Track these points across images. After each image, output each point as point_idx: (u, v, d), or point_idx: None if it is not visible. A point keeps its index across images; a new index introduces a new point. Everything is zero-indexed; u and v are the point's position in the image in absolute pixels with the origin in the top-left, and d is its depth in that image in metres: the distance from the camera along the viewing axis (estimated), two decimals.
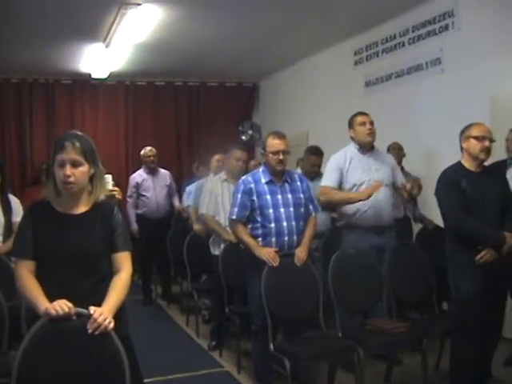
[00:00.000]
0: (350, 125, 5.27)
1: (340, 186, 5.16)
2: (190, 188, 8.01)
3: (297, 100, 9.95)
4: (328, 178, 5.20)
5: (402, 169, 6.42)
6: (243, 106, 11.44)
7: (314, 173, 6.39)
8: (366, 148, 5.23)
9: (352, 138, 5.27)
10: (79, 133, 3.04)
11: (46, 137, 10.42)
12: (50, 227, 2.90)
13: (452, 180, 4.34)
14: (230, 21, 7.34)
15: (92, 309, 2.67)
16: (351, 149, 5.26)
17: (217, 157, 7.34)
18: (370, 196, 4.87)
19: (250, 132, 10.66)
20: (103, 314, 2.67)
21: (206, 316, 6.91)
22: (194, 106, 11.27)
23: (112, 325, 2.68)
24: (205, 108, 11.23)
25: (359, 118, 5.21)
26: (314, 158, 6.49)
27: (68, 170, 2.84)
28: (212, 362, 5.66)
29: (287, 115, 10.12)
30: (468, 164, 4.37)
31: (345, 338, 4.42)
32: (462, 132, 4.43)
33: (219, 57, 9.15)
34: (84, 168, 2.89)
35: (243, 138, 10.56)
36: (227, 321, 5.71)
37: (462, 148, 4.42)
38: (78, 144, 2.88)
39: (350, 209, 5.11)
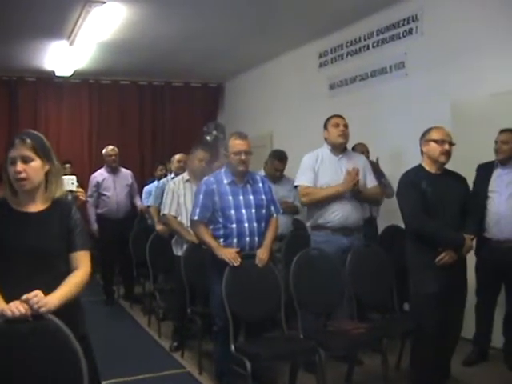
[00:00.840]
0: (325, 126, 5.31)
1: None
2: (149, 188, 8.00)
3: (262, 101, 9.96)
4: (304, 178, 5.21)
5: (378, 167, 6.45)
6: (208, 107, 11.43)
7: (276, 176, 6.44)
8: (339, 149, 5.26)
9: (325, 139, 5.31)
10: (31, 131, 3.03)
11: (8, 135, 10.20)
12: (6, 225, 2.86)
13: (413, 181, 4.40)
14: (196, 20, 7.32)
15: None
16: (324, 150, 5.30)
17: (177, 157, 7.33)
18: (352, 184, 4.94)
19: (215, 132, 10.64)
20: (38, 296, 2.62)
21: (160, 315, 6.85)
22: (158, 106, 11.22)
23: (44, 309, 2.62)
24: (169, 108, 11.20)
25: (333, 120, 5.25)
26: (278, 163, 6.54)
27: (19, 166, 2.83)
28: (174, 362, 5.64)
29: (252, 116, 10.13)
30: (428, 167, 4.45)
31: (306, 339, 4.42)
32: (423, 136, 4.50)
33: (184, 56, 9.13)
34: (36, 164, 2.87)
35: (207, 138, 10.53)
36: (189, 321, 5.68)
37: (422, 151, 4.49)
38: (28, 140, 2.87)
39: (318, 209, 5.13)
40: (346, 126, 5.24)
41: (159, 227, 6.76)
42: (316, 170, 5.17)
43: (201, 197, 4.67)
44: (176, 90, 11.26)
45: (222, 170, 4.79)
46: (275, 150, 7.00)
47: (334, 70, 8.19)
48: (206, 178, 4.86)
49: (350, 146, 6.38)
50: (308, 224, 5.41)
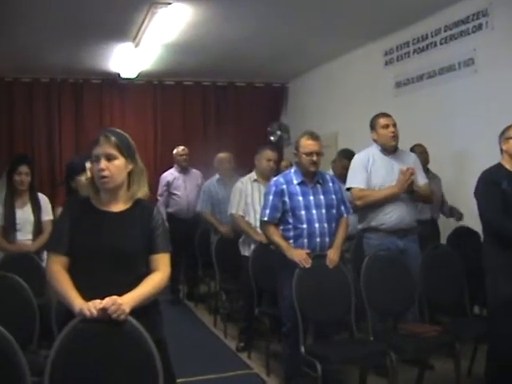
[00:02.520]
0: (373, 127, 5.18)
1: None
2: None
3: (326, 101, 9.88)
4: (357, 180, 5.11)
5: (428, 170, 6.35)
6: (272, 107, 11.38)
7: (345, 176, 6.34)
8: (389, 150, 5.14)
9: (374, 140, 5.19)
10: (116, 129, 3.02)
11: (74, 136, 10.47)
12: (88, 223, 2.88)
13: (493, 181, 4.25)
14: (260, 20, 7.31)
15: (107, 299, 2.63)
16: (374, 149, 5.19)
17: (222, 156, 7.35)
18: (406, 185, 4.83)
19: (279, 132, 10.62)
20: (116, 304, 2.62)
21: (225, 315, 6.84)
22: (222, 106, 11.22)
23: (123, 316, 2.62)
24: (233, 108, 11.18)
25: (382, 121, 5.12)
26: (347, 162, 6.42)
27: (102, 164, 2.82)
28: (240, 363, 5.64)
29: (316, 116, 10.05)
30: (509, 165, 4.29)
31: (377, 342, 4.36)
32: (502, 133, 4.36)
33: (248, 57, 9.12)
34: (119, 162, 2.87)
35: (271, 138, 10.53)
36: (256, 322, 5.67)
37: (501, 150, 4.35)
38: (112, 138, 2.87)
39: (372, 211, 5.05)
40: (395, 125, 5.11)
41: (222, 229, 6.77)
42: (369, 170, 5.08)
43: (270, 197, 4.64)
44: (239, 90, 11.25)
45: (292, 170, 4.74)
46: (344, 148, 6.94)
47: (399, 68, 8.06)
48: (275, 179, 4.83)
49: (409, 146, 6.29)
50: (359, 227, 5.28)
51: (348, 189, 5.21)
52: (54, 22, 7.15)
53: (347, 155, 6.53)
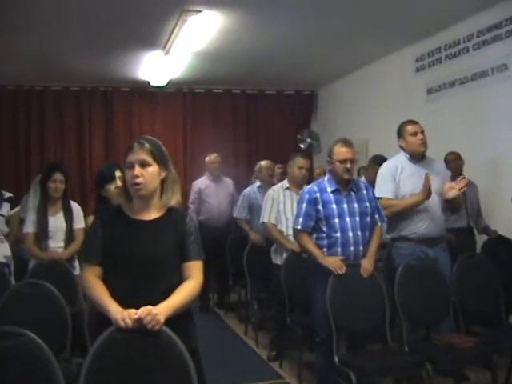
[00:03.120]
0: (400, 134, 5.09)
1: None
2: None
3: (356, 108, 9.83)
4: (384, 190, 5.01)
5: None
6: (301, 114, 11.35)
7: None
8: (418, 157, 5.05)
9: (402, 148, 5.11)
10: (150, 136, 3.01)
11: (104, 144, 10.55)
12: (120, 232, 2.86)
13: None
14: (290, 28, 7.28)
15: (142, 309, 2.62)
16: (401, 158, 5.10)
17: (264, 164, 7.35)
18: (430, 192, 4.74)
19: (309, 140, 10.57)
20: (151, 314, 2.60)
21: (256, 324, 6.80)
22: (251, 114, 11.22)
23: (158, 327, 2.61)
24: (263, 116, 11.19)
25: (410, 128, 5.01)
26: (379, 168, 6.38)
27: (136, 170, 2.81)
28: (272, 372, 5.60)
29: (346, 123, 10.00)
30: None
31: (412, 353, 4.28)
32: None
33: (278, 64, 9.10)
34: (153, 169, 2.85)
35: (301, 146, 10.48)
36: (288, 331, 5.62)
37: None
38: (146, 144, 2.86)
39: (402, 220, 4.97)
40: (423, 132, 5.01)
41: (254, 237, 6.74)
42: (397, 179, 4.99)
43: (304, 205, 4.59)
44: (269, 97, 11.24)
45: (326, 178, 4.70)
46: (375, 154, 6.89)
47: (431, 74, 7.98)
48: (308, 186, 4.80)
49: (441, 153, 6.21)
50: (389, 236, 5.17)
51: (378, 198, 5.14)
52: (85, 31, 7.21)
53: (379, 161, 6.46)
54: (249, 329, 6.94)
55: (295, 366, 5.42)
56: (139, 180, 2.81)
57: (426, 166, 5.03)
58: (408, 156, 5.06)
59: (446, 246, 5.11)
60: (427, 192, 4.74)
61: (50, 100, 10.31)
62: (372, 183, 5.97)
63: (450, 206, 5.04)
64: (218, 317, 8.04)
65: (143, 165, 2.83)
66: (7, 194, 5.82)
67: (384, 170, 5.15)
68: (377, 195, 5.02)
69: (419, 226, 4.90)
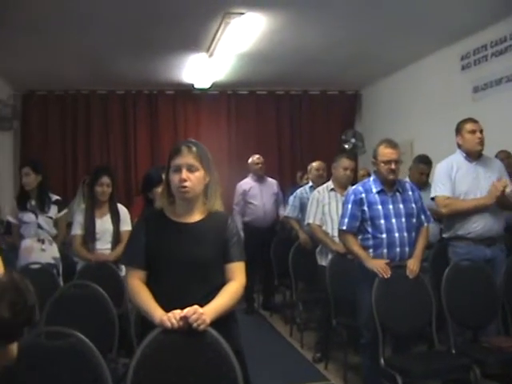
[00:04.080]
0: (458, 131, 5.06)
1: None
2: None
3: (400, 108, 9.74)
4: (442, 188, 5.00)
5: None
6: (345, 115, 11.29)
7: (422, 182, 6.24)
8: (474, 156, 5.01)
9: (459, 145, 5.07)
10: (195, 140, 3.03)
11: (149, 147, 10.63)
12: (164, 235, 2.89)
13: None
14: (333, 28, 7.25)
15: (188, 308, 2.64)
16: (458, 156, 5.07)
17: (315, 165, 7.34)
18: (496, 198, 4.69)
19: (353, 140, 10.51)
20: (197, 313, 2.62)
21: (301, 325, 6.80)
22: (295, 115, 11.19)
23: (203, 326, 2.62)
24: (307, 117, 11.15)
25: (469, 126, 4.99)
26: (423, 166, 6.35)
27: (184, 174, 2.83)
28: (317, 374, 5.59)
29: (390, 123, 9.91)
30: None
31: (459, 355, 4.22)
32: None
33: (321, 65, 9.07)
34: (200, 174, 2.88)
35: (346, 146, 10.42)
36: (333, 333, 5.60)
37: None
38: (194, 148, 2.88)
39: (459, 220, 4.92)
40: (482, 131, 4.98)
41: (302, 237, 6.73)
42: (453, 178, 4.95)
43: (349, 206, 4.58)
44: (313, 98, 11.19)
45: (371, 179, 4.67)
46: (420, 154, 6.82)
47: (477, 72, 7.85)
48: (354, 187, 4.77)
49: (492, 153, 6.11)
50: (446, 235, 5.15)
51: (433, 198, 5.11)
52: (130, 36, 7.28)
53: (423, 160, 6.45)
54: (294, 330, 6.93)
55: (340, 368, 5.40)
56: (187, 184, 2.83)
57: (483, 165, 5.01)
58: (464, 155, 5.03)
59: (505, 247, 5.04)
60: (494, 198, 4.71)
61: (95, 104, 10.45)
62: (416, 183, 5.94)
63: (499, 204, 4.96)
64: (264, 318, 8.05)
65: (190, 169, 2.85)
66: (55, 197, 5.92)
67: (440, 169, 5.13)
68: (433, 194, 5.06)
69: (475, 226, 4.86)
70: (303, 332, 6.60)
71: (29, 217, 5.71)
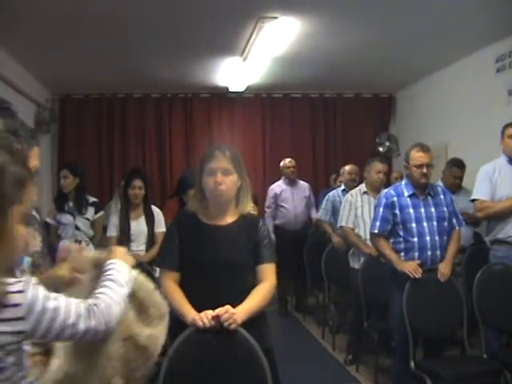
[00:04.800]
0: (502, 135, 5.08)
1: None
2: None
3: (435, 111, 9.68)
4: (480, 191, 5.01)
5: None
6: (379, 118, 11.24)
7: (455, 185, 6.23)
8: None
9: (503, 150, 5.07)
10: (227, 144, 3.10)
11: (184, 150, 10.68)
12: (197, 238, 2.96)
13: None
14: (368, 31, 7.24)
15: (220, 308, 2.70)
16: (501, 160, 5.07)
17: (348, 168, 7.35)
18: None
19: (387, 144, 10.47)
20: (228, 312, 2.68)
21: (334, 327, 6.84)
22: (330, 118, 11.16)
23: (234, 326, 2.68)
24: (341, 119, 11.12)
25: (509, 130, 4.99)
26: (456, 170, 6.34)
27: (219, 177, 2.89)
28: (348, 376, 5.62)
29: (425, 126, 9.86)
30: None
31: (490, 360, 4.22)
32: None
33: (356, 68, 9.06)
34: (233, 177, 2.94)
35: (380, 149, 10.39)
36: (365, 335, 5.62)
37: None
38: (228, 153, 2.94)
39: (499, 223, 4.90)
40: None
41: (335, 239, 6.76)
42: (494, 181, 4.94)
43: (381, 210, 4.61)
44: (347, 101, 11.17)
45: (403, 182, 4.70)
46: (453, 158, 6.81)
47: None
48: (385, 191, 4.80)
49: None
50: (487, 238, 5.16)
51: (473, 200, 5.12)
52: (166, 40, 7.37)
53: (456, 163, 6.43)
54: (326, 332, 6.96)
55: (371, 370, 5.42)
56: (222, 187, 2.90)
57: None
58: (507, 158, 5.02)
59: None
60: None
61: (131, 107, 10.53)
62: (449, 186, 5.93)
63: None
64: (296, 320, 8.09)
65: (225, 173, 2.91)
66: (92, 199, 6.04)
67: (481, 172, 5.13)
68: (472, 197, 5.06)
69: None
70: (335, 334, 6.64)
71: (67, 218, 5.84)
